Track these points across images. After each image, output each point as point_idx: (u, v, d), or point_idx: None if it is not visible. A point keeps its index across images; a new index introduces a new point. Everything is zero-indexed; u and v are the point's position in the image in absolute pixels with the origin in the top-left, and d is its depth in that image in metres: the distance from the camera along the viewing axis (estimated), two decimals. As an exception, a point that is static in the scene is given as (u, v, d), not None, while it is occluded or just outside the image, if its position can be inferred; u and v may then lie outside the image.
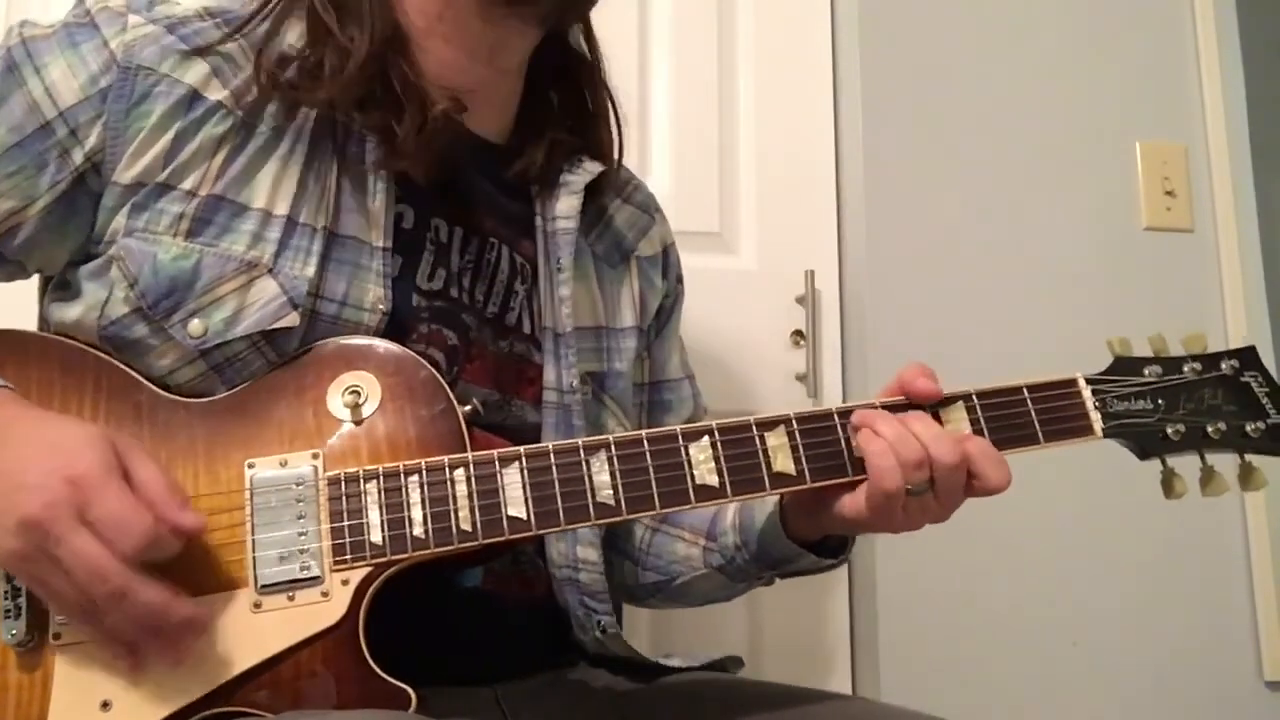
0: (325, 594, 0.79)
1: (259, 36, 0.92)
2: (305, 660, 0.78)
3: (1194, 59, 1.87)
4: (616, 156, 1.08)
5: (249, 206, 0.88)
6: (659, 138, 1.68)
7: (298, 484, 0.82)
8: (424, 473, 0.82)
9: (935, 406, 0.87)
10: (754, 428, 0.86)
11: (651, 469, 0.84)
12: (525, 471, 0.83)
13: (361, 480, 0.82)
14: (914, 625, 1.59)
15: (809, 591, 1.60)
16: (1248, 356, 0.91)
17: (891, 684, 1.56)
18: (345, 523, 0.81)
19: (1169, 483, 0.89)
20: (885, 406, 0.87)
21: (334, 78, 0.89)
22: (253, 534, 0.80)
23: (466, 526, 0.81)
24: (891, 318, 1.67)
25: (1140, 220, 1.80)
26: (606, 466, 0.83)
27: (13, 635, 0.77)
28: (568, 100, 1.08)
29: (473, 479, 0.82)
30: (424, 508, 0.81)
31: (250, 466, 0.82)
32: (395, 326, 0.90)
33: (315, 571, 0.79)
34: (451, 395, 0.85)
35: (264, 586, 0.79)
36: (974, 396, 0.88)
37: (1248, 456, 0.89)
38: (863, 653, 1.61)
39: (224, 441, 0.83)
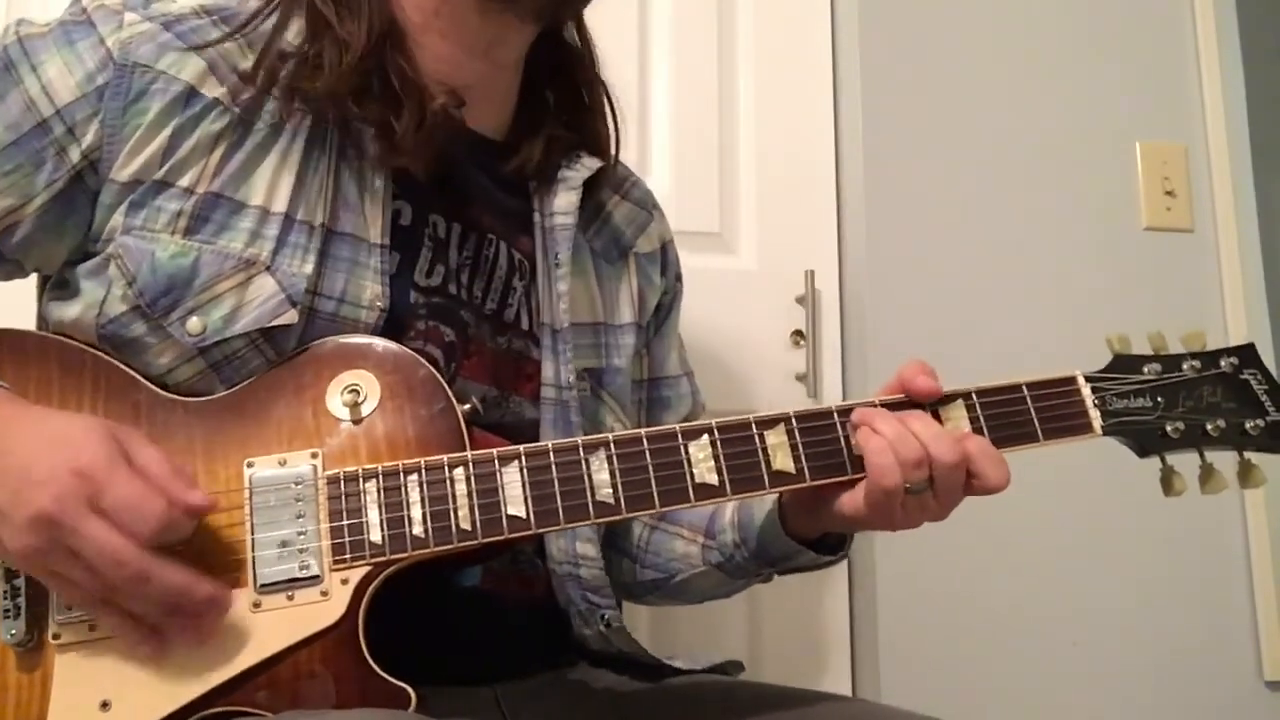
0: (324, 593, 0.79)
1: (257, 33, 0.92)
2: (304, 660, 0.78)
3: (1194, 59, 1.87)
4: (614, 151, 1.08)
5: (246, 204, 0.88)
6: (659, 138, 1.68)
7: (297, 483, 0.81)
8: (423, 472, 0.82)
9: (935, 404, 0.87)
10: (753, 426, 0.85)
11: (651, 468, 0.84)
12: (525, 470, 0.83)
13: (361, 479, 0.82)
14: (914, 625, 1.59)
15: (808, 592, 1.60)
16: (1247, 354, 0.91)
17: (891, 684, 1.56)
18: (344, 522, 0.81)
19: (1168, 480, 0.89)
20: (884, 405, 0.87)
21: (332, 71, 0.90)
22: (252, 533, 0.80)
23: (466, 525, 0.81)
24: (891, 318, 1.67)
25: (1140, 220, 1.80)
26: (606, 465, 0.83)
27: (12, 635, 0.77)
28: (564, 96, 1.08)
29: (472, 478, 0.82)
30: (423, 507, 0.81)
31: (249, 466, 0.82)
32: (393, 323, 0.90)
33: (314, 571, 0.79)
34: (451, 394, 0.85)
35: (263, 586, 0.79)
36: (973, 395, 0.87)
37: (1247, 454, 0.89)
38: (862, 653, 1.61)
39: (223, 441, 0.83)
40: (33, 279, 0.95)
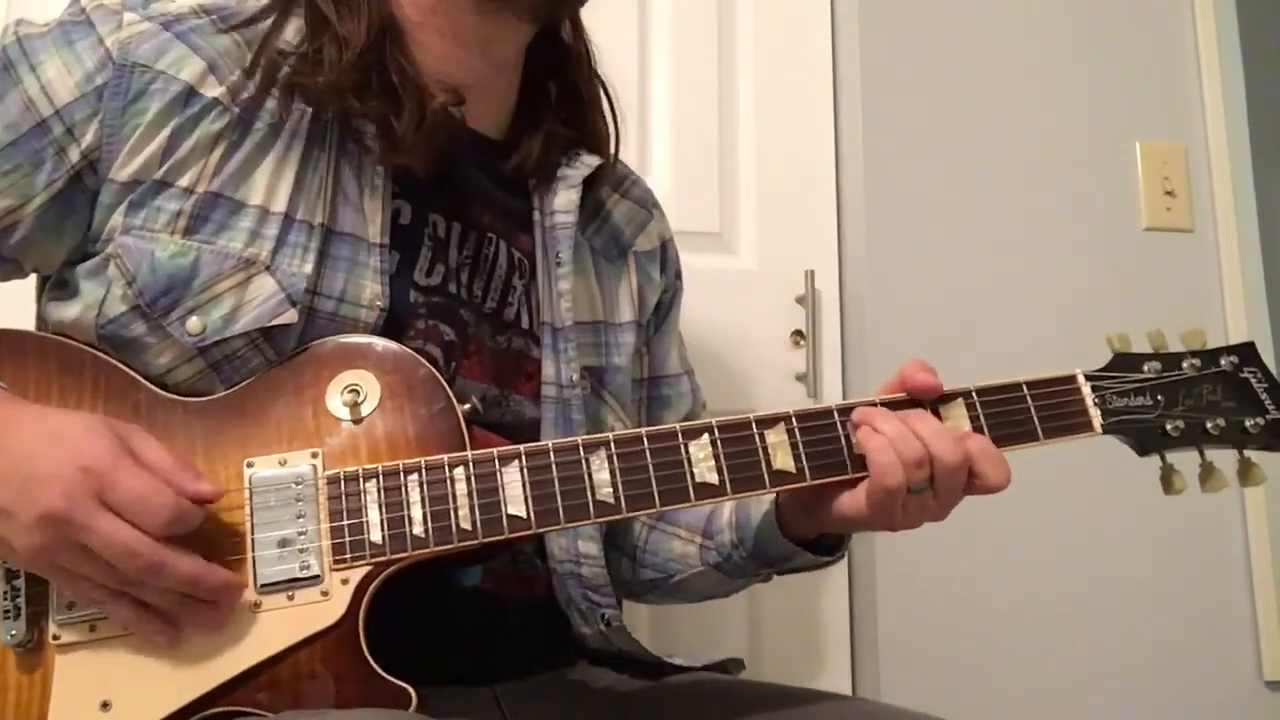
0: (325, 593, 0.79)
1: (256, 32, 0.92)
2: (305, 660, 0.78)
3: (1194, 59, 1.87)
4: (613, 149, 1.08)
5: (246, 203, 0.88)
6: (659, 138, 1.68)
7: (297, 483, 0.81)
8: (423, 471, 0.82)
9: (935, 403, 0.87)
10: (754, 425, 0.85)
11: (651, 467, 0.84)
12: (525, 470, 0.83)
13: (361, 479, 0.82)
14: (913, 625, 1.59)
15: (808, 591, 1.60)
16: (1247, 352, 0.91)
17: (891, 684, 1.56)
18: (345, 522, 0.81)
19: (1168, 479, 0.89)
20: (885, 403, 0.87)
21: (333, 68, 0.90)
22: (252, 533, 0.80)
23: (466, 525, 0.81)
24: (891, 318, 1.67)
25: (1140, 220, 1.80)
26: (606, 465, 0.83)
27: (12, 636, 0.77)
28: (563, 93, 1.08)
29: (472, 477, 0.82)
30: (424, 506, 0.81)
31: (249, 465, 0.82)
32: (393, 322, 0.90)
33: (315, 570, 0.79)
34: (451, 393, 0.85)
35: (263, 586, 0.79)
36: (973, 393, 0.87)
37: (1247, 452, 0.89)
38: (862, 652, 1.61)
39: (223, 440, 0.83)
40: (32, 279, 0.95)
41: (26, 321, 0.93)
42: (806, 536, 0.94)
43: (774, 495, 0.94)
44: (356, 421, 0.84)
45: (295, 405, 0.84)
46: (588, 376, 1.02)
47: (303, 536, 0.80)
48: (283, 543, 0.80)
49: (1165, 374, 0.89)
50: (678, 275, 1.20)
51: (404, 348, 0.87)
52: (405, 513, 0.81)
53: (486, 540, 0.81)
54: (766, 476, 0.85)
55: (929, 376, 0.87)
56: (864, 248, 1.68)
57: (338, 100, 0.90)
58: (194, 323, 0.85)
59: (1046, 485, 1.58)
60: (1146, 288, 1.76)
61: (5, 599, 0.77)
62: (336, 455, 0.83)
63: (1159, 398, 0.89)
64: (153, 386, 0.85)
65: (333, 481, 0.82)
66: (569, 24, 1.08)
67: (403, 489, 0.81)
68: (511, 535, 0.81)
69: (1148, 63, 1.86)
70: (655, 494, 0.83)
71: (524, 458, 0.83)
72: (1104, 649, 1.65)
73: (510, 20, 0.98)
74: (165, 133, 0.86)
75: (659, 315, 1.16)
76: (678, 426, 0.85)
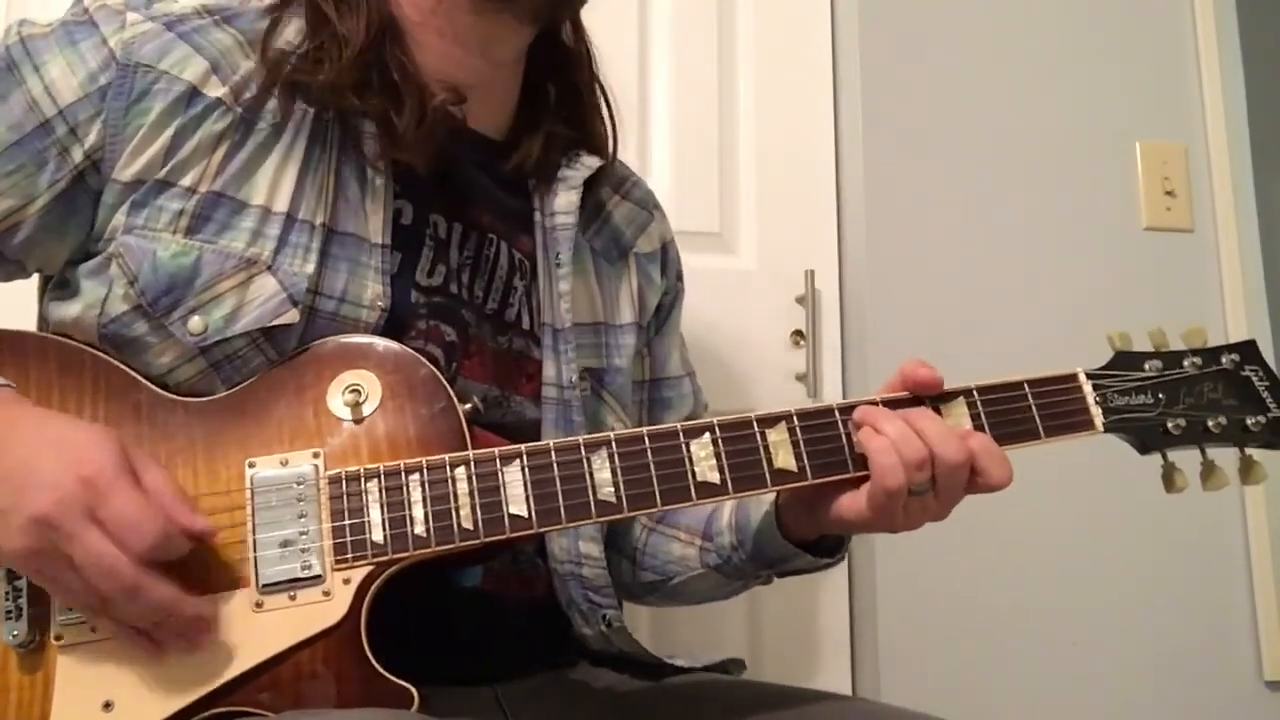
0: (327, 593, 0.79)
1: (258, 33, 0.92)
2: (307, 660, 0.78)
3: (1194, 59, 1.87)
4: (613, 150, 1.08)
5: (248, 203, 0.88)
6: (659, 138, 1.68)
7: (298, 483, 0.81)
8: (425, 471, 0.82)
9: (936, 401, 0.87)
10: (755, 424, 0.85)
11: (653, 466, 0.84)
12: (526, 469, 0.83)
13: (362, 479, 0.82)
14: (914, 625, 1.59)
15: (809, 592, 1.60)
16: (1248, 351, 0.91)
17: (891, 684, 1.56)
18: (346, 521, 0.81)
19: (1169, 477, 0.89)
20: (886, 402, 0.87)
21: (333, 65, 0.90)
22: (254, 533, 0.80)
23: (468, 525, 0.81)
24: (891, 318, 1.67)
25: (1140, 220, 1.80)
26: (608, 464, 0.83)
27: (14, 636, 0.77)
28: (563, 94, 1.08)
29: (474, 477, 0.82)
30: (425, 506, 0.81)
31: (251, 466, 0.82)
32: (394, 323, 0.90)
33: (317, 570, 0.79)
34: (452, 393, 0.85)
35: (265, 586, 0.79)
36: (975, 392, 0.87)
37: (1248, 451, 0.89)
38: (862, 652, 1.61)
39: (224, 441, 0.83)
40: (33, 279, 0.95)
41: (27, 321, 0.93)
42: (806, 538, 0.94)
43: (774, 497, 0.94)
44: (358, 421, 0.84)
45: (296, 405, 0.84)
46: (588, 377, 1.02)
47: (304, 536, 0.80)
48: (284, 543, 0.80)
49: (1166, 372, 0.89)
50: (679, 277, 1.20)
51: (405, 348, 0.87)
52: (407, 512, 0.81)
53: (488, 540, 0.81)
54: (768, 475, 0.84)
55: (930, 371, 0.86)
56: (864, 248, 1.68)
57: (338, 98, 0.90)
58: (195, 322, 0.85)
59: (1047, 485, 1.58)
60: (1146, 287, 1.76)
61: (7, 599, 0.77)
62: (338, 455, 0.83)
63: (1160, 396, 0.89)
64: (153, 387, 0.85)
65: (334, 481, 0.82)
66: (569, 26, 1.08)
67: (404, 489, 0.81)
68: (513, 534, 0.81)
69: (1148, 63, 1.86)
70: (657, 493, 0.83)
71: (525, 457, 0.83)
72: (1104, 649, 1.65)
73: (510, 22, 0.98)
74: (168, 133, 0.86)
75: (660, 317, 1.16)
76: (679, 425, 0.85)
